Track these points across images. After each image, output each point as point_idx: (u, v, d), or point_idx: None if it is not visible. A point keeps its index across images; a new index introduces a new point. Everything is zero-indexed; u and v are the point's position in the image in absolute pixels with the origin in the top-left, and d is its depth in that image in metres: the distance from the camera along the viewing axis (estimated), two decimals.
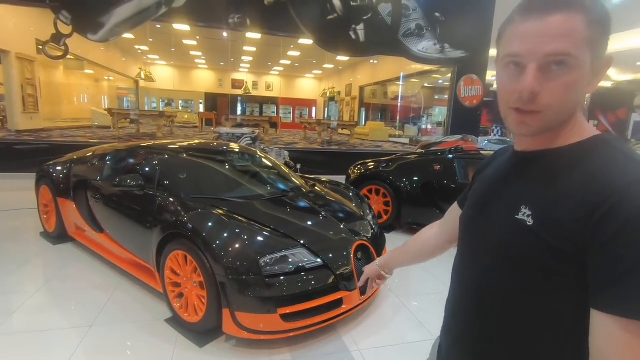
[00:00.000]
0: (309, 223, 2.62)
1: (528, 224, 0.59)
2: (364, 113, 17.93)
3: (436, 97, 15.84)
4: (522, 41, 0.57)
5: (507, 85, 0.60)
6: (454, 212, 0.91)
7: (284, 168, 3.62)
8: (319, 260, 2.24)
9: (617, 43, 9.90)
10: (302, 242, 2.30)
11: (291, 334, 2.13)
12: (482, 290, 0.68)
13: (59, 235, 3.57)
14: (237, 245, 2.14)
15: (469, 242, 0.75)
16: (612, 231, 0.50)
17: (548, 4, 0.55)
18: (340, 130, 12.92)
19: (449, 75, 8.74)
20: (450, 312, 0.79)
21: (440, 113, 15.21)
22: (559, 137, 0.62)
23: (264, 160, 3.62)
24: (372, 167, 4.74)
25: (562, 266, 0.56)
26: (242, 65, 19.22)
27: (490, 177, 0.75)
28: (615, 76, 13.12)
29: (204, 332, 2.23)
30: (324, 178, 3.86)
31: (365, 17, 7.42)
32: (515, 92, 0.58)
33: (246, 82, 19.49)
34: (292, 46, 14.09)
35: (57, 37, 6.33)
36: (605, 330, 0.51)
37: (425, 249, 1.03)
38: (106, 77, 16.49)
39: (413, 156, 4.94)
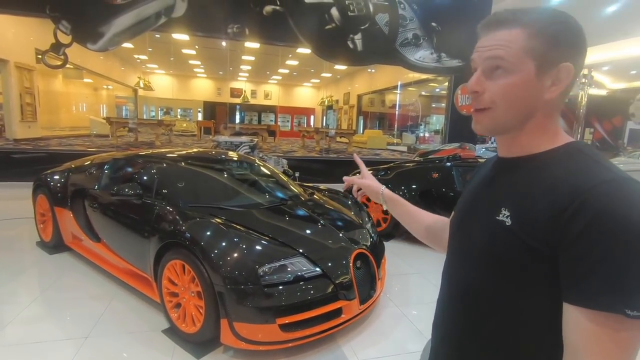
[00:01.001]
0: (308, 232, 2.60)
1: (507, 224, 0.63)
2: (361, 121, 18.02)
3: (433, 105, 15.96)
4: (476, 51, 0.68)
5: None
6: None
7: (282, 176, 3.62)
8: (318, 269, 2.23)
9: (612, 52, 10.03)
10: (300, 251, 2.29)
11: (290, 345, 2.11)
12: (466, 289, 0.73)
13: (56, 245, 3.53)
14: (235, 255, 2.12)
15: (456, 244, 0.79)
16: (579, 228, 0.54)
17: (495, 23, 0.66)
18: (338, 139, 12.97)
19: (446, 83, 8.82)
20: (439, 311, 0.83)
21: (437, 121, 15.31)
22: (529, 143, 0.67)
23: (262, 168, 3.61)
24: None
25: (537, 264, 0.59)
26: (240, 74, 19.35)
27: (476, 182, 0.81)
28: (610, 84, 13.27)
29: (201, 343, 2.20)
30: (322, 186, 3.86)
31: (362, 27, 7.51)
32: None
33: (244, 91, 19.58)
34: (290, 55, 14.21)
35: (57, 47, 6.37)
36: (575, 323, 0.55)
37: (431, 230, 1.02)
38: (105, 86, 16.55)
39: (411, 164, 4.95)
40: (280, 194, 3.21)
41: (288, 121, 21.31)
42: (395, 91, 15.73)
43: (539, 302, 0.61)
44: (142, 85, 14.79)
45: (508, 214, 0.64)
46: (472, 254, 0.71)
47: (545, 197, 0.60)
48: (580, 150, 0.64)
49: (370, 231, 2.95)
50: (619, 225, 0.52)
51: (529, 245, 0.60)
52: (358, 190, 1.17)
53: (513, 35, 0.63)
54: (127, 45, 11.14)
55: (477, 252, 0.70)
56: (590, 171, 0.59)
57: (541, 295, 0.61)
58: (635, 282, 0.52)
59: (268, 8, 6.98)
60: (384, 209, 1.10)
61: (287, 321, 2.04)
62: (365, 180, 1.14)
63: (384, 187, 1.11)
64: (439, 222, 1.01)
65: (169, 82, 19.80)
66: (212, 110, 19.99)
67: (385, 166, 4.86)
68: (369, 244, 2.71)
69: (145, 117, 18.08)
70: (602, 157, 0.62)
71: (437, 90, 14.47)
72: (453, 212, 0.84)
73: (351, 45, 7.54)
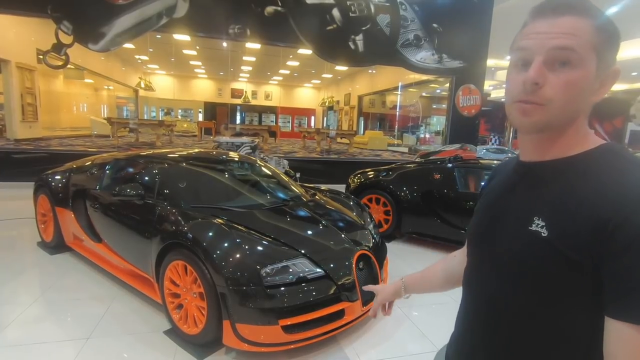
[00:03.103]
0: (310, 232, 2.60)
1: (543, 235, 0.59)
2: (362, 122, 18.01)
3: (434, 107, 15.95)
4: (532, 37, 0.60)
5: (513, 80, 0.63)
6: None
7: (283, 177, 3.61)
8: (320, 270, 2.22)
9: None
10: (303, 252, 2.28)
11: (292, 346, 2.10)
12: (495, 304, 0.68)
13: (57, 245, 3.53)
14: (237, 255, 2.11)
15: (479, 256, 0.74)
16: (627, 241, 0.51)
17: (558, 8, 0.59)
18: (339, 139, 12.95)
19: (447, 84, 8.82)
20: (462, 326, 0.78)
21: (438, 122, 15.30)
22: (564, 145, 0.63)
23: (263, 169, 3.61)
24: (371, 176, 4.73)
25: (577, 277, 0.56)
26: (241, 74, 19.36)
27: (496, 190, 0.75)
28: None
29: (203, 344, 2.19)
30: (323, 187, 3.85)
31: (364, 28, 7.51)
32: (520, 83, 0.61)
33: (245, 92, 19.58)
34: (291, 56, 14.21)
35: (58, 47, 6.37)
36: (619, 338, 0.53)
37: (449, 276, 0.96)
38: (106, 87, 16.54)
39: (413, 165, 4.94)
40: (281, 195, 3.20)
41: (289, 122, 21.30)
42: (396, 92, 15.72)
43: (575, 315, 0.59)
44: (143, 85, 14.77)
45: (543, 223, 0.60)
46: (502, 265, 0.67)
47: (586, 207, 0.56)
48: (618, 154, 0.60)
49: (373, 232, 2.94)
50: None
51: (568, 257, 0.56)
52: (387, 308, 1.07)
53: (582, 24, 0.57)
54: (128, 45, 11.13)
55: (508, 264, 0.65)
56: (632, 178, 0.55)
57: (578, 308, 0.58)
58: None
59: (269, 9, 6.99)
60: (405, 296, 1.02)
61: (289, 322, 2.03)
62: (384, 294, 1.04)
63: (400, 280, 1.03)
64: (449, 264, 0.95)
65: (169, 82, 19.81)
66: (213, 110, 19.99)
67: (386, 167, 4.85)
68: (371, 245, 2.70)
69: (146, 118, 18.08)
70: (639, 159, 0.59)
71: (438, 91, 14.46)
72: (472, 220, 0.80)
73: (352, 46, 7.55)
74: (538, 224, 0.60)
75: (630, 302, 0.52)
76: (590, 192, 0.57)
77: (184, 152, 3.48)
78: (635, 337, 0.51)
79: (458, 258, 0.94)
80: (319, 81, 21.12)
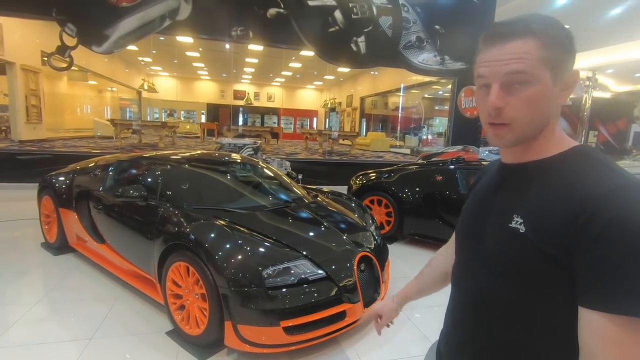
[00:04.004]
0: (312, 234, 2.60)
1: (521, 231, 0.64)
2: (364, 123, 18.02)
3: (436, 108, 15.93)
4: (486, 65, 0.66)
5: (481, 105, 0.69)
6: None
7: (285, 178, 3.62)
8: (321, 271, 2.22)
9: (616, 54, 9.99)
10: (304, 253, 2.29)
11: (294, 347, 2.10)
12: (481, 297, 0.72)
13: (60, 246, 3.55)
14: (239, 257, 2.12)
15: (467, 253, 0.78)
16: (594, 234, 0.55)
17: (504, 34, 0.64)
18: (341, 141, 12.97)
19: (449, 86, 8.81)
20: (450, 321, 0.82)
21: (440, 124, 15.28)
22: (540, 149, 0.67)
23: (265, 170, 3.62)
24: (373, 177, 4.73)
25: (554, 270, 0.60)
26: (244, 76, 19.41)
27: (482, 189, 0.81)
28: (614, 87, 13.20)
29: (205, 345, 2.20)
30: (325, 188, 3.86)
31: (366, 30, 7.52)
32: (486, 109, 0.67)
33: (248, 93, 19.64)
34: (293, 58, 14.25)
35: (62, 49, 6.41)
36: (592, 327, 0.56)
37: (437, 276, 1.01)
38: (109, 88, 16.64)
39: (415, 167, 4.94)
40: (283, 196, 3.21)
41: (291, 123, 21.34)
42: (398, 94, 15.72)
43: (555, 307, 0.62)
44: (146, 87, 14.86)
45: (521, 220, 0.64)
46: (486, 261, 0.71)
47: (559, 204, 0.60)
48: (589, 155, 0.64)
49: (374, 234, 2.94)
50: (633, 230, 0.53)
51: (544, 252, 0.60)
52: (388, 325, 1.08)
53: (529, 46, 0.62)
54: (132, 47, 11.20)
55: (491, 259, 0.70)
56: (602, 177, 0.59)
57: (557, 300, 0.61)
58: None
59: (272, 11, 7.01)
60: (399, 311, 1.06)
61: (291, 324, 2.04)
62: (383, 316, 1.05)
63: (391, 299, 1.06)
64: (443, 263, 0.98)
65: (172, 84, 19.89)
66: (216, 112, 20.07)
67: (389, 169, 4.85)
68: (373, 246, 2.71)
69: (149, 119, 18.17)
70: (611, 161, 0.62)
71: (440, 92, 14.45)
72: (460, 218, 0.84)
73: (354, 48, 7.55)
74: (517, 221, 0.65)
75: (599, 291, 0.55)
76: (562, 190, 0.61)
77: (187, 154, 3.49)
78: (605, 324, 0.54)
79: (444, 257, 0.99)
80: (321, 83, 21.15)
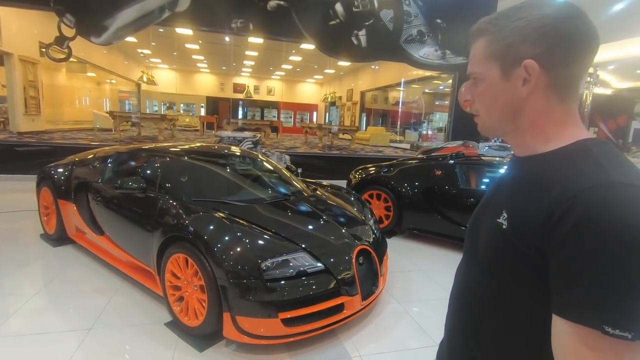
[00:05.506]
0: (311, 227, 2.61)
1: (503, 227, 0.62)
2: (364, 118, 17.98)
3: (437, 103, 15.88)
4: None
5: None
6: None
7: (285, 172, 3.62)
8: (320, 264, 2.23)
9: (617, 51, 9.94)
10: (303, 246, 2.29)
11: (292, 339, 2.12)
12: (467, 291, 0.74)
13: (59, 238, 3.55)
14: (238, 249, 2.13)
15: (466, 248, 0.79)
16: (563, 234, 0.51)
17: (471, 37, 0.71)
18: (341, 135, 12.94)
19: (450, 81, 8.77)
20: (448, 308, 0.83)
21: (440, 119, 15.24)
22: (527, 144, 0.66)
23: (265, 163, 3.61)
24: (373, 172, 4.73)
25: (527, 269, 0.58)
26: (243, 69, 19.32)
27: (494, 183, 0.81)
28: (615, 84, 13.16)
29: (204, 336, 2.21)
30: (325, 182, 3.86)
31: (367, 23, 7.46)
32: None
33: (248, 86, 19.56)
34: (293, 51, 14.17)
35: (61, 40, 6.36)
36: (558, 333, 0.53)
37: None
38: (108, 80, 16.56)
39: (414, 161, 4.93)
40: (283, 190, 3.21)
41: (291, 117, 21.29)
42: (399, 88, 15.66)
43: (531, 307, 0.60)
44: (145, 79, 14.79)
45: (506, 216, 0.62)
46: (477, 255, 0.71)
47: (537, 202, 0.57)
48: (587, 149, 0.59)
49: (373, 228, 2.95)
50: (603, 233, 0.48)
51: (519, 250, 0.58)
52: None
53: (477, 46, 0.68)
54: (131, 39, 11.14)
55: (480, 253, 0.69)
56: (584, 174, 0.54)
57: (532, 300, 0.59)
58: (614, 296, 0.47)
59: (272, 3, 6.95)
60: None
61: (289, 316, 2.05)
62: None
63: None
64: None
65: (172, 76, 19.79)
66: (215, 105, 20.01)
67: (388, 163, 4.85)
68: (372, 240, 2.71)
69: (148, 112, 18.11)
70: (611, 157, 0.57)
71: (441, 87, 14.39)
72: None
73: (355, 42, 7.50)
74: (503, 216, 0.63)
75: (565, 298, 0.51)
76: (546, 187, 0.57)
77: (186, 146, 3.48)
78: (569, 333, 0.51)
79: None
80: (321, 76, 21.06)
